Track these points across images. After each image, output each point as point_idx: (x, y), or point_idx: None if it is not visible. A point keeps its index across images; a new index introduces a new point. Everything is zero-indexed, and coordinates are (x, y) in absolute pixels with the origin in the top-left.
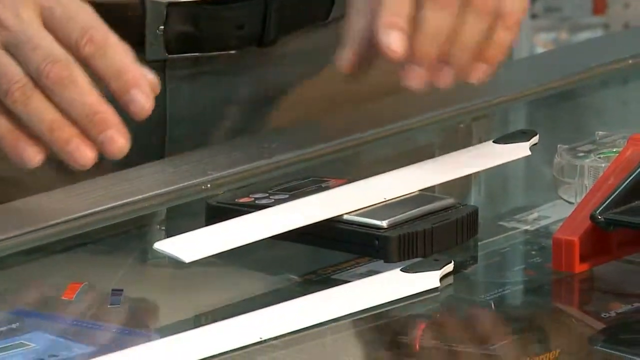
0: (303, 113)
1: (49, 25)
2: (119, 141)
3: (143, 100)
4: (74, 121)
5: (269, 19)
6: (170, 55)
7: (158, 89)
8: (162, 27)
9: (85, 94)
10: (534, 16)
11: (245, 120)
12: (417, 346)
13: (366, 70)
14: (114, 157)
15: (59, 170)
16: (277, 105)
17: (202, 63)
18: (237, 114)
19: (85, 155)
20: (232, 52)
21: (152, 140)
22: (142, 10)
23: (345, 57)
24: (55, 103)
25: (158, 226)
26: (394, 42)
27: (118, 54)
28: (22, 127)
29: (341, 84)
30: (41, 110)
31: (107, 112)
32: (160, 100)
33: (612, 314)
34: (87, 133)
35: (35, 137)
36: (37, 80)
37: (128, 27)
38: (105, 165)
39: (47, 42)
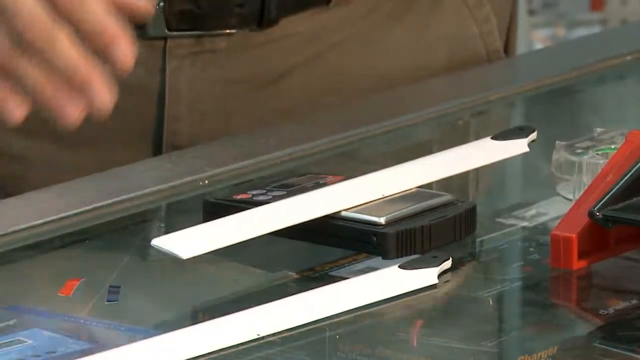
0: (303, 96)
1: None
2: (106, 93)
3: (127, 55)
4: (60, 77)
5: None
6: (170, 33)
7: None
8: (162, 3)
9: (70, 48)
10: (531, 12)
11: (245, 101)
12: (415, 343)
13: None
14: (100, 110)
15: (60, 146)
16: (277, 88)
17: (203, 42)
18: (237, 95)
19: (73, 110)
20: (233, 31)
21: (151, 117)
22: None
23: None
24: (42, 61)
25: (155, 223)
26: None
27: (99, 11)
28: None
29: (343, 68)
30: (31, 68)
31: (94, 66)
32: (160, 78)
33: (611, 310)
34: (74, 85)
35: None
36: (20, 44)
37: None
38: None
39: (30, 2)
